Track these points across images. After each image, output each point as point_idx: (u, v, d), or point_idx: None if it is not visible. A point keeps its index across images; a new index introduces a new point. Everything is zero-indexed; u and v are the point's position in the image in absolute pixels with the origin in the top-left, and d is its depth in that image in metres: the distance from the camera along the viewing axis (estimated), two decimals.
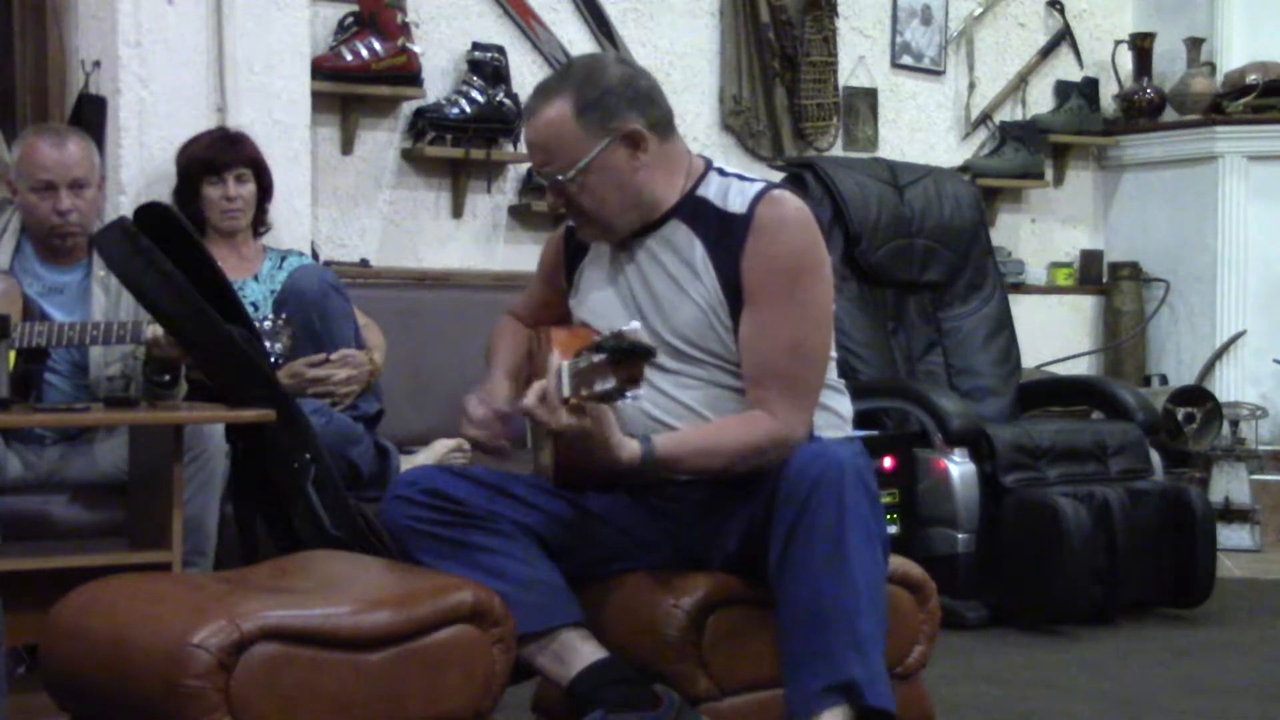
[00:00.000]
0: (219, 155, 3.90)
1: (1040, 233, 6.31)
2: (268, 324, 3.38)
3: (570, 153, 2.54)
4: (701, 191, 2.62)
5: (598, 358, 2.25)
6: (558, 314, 2.80)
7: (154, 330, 3.24)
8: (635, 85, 2.58)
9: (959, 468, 4.33)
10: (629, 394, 2.24)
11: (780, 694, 2.42)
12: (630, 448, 2.44)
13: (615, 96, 2.55)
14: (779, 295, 2.51)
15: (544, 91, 2.59)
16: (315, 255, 4.38)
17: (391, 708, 2.31)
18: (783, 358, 2.51)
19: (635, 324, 2.25)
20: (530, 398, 2.39)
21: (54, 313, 3.47)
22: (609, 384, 2.23)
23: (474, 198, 5.04)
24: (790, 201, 2.57)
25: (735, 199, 2.57)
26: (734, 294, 2.54)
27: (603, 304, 2.66)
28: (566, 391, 2.35)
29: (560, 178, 2.55)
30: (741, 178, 2.63)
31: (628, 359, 2.20)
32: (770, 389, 2.51)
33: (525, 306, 2.93)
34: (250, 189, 3.93)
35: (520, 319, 2.91)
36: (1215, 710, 3.38)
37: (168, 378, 3.36)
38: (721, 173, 2.65)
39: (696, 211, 2.60)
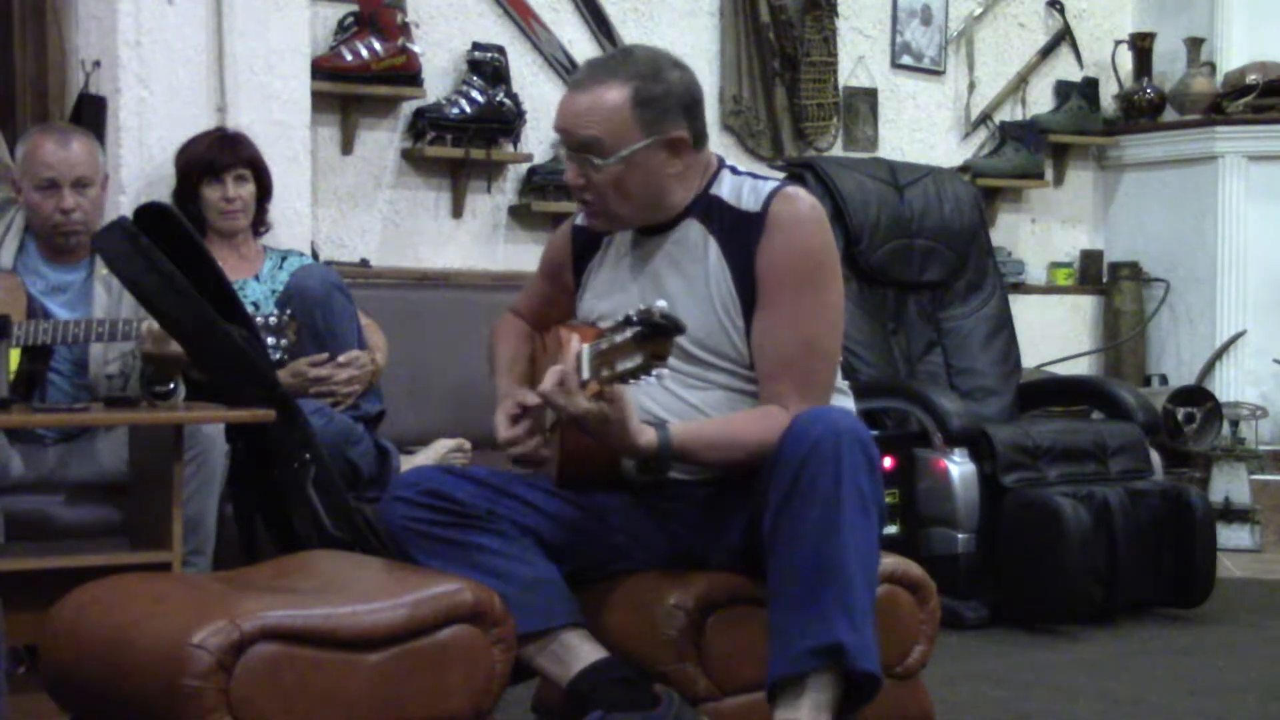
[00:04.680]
0: (218, 156, 3.90)
1: (1040, 233, 6.31)
2: (272, 319, 3.38)
3: (614, 139, 2.51)
4: (715, 190, 2.62)
5: (621, 336, 2.22)
6: (561, 313, 2.79)
7: (149, 326, 3.24)
8: (692, 93, 2.58)
9: (959, 468, 4.33)
10: (654, 372, 2.21)
11: None
12: (647, 434, 2.43)
13: (675, 100, 2.55)
14: (793, 292, 2.51)
15: (602, 69, 2.55)
16: (315, 255, 4.38)
17: (391, 708, 2.31)
18: (797, 353, 2.51)
19: (662, 302, 2.22)
20: (548, 382, 2.37)
21: (57, 311, 3.48)
22: (635, 360, 2.20)
23: (474, 198, 5.04)
24: (805, 199, 2.58)
25: (749, 197, 2.58)
26: (747, 292, 2.54)
27: (613, 304, 2.64)
28: (586, 374, 2.33)
29: (597, 161, 2.51)
30: (754, 176, 2.64)
31: (655, 335, 2.18)
32: (785, 384, 2.51)
33: (526, 305, 2.92)
34: (249, 189, 3.93)
35: (522, 318, 2.91)
36: (1215, 710, 3.38)
37: (171, 385, 3.36)
38: (734, 171, 2.65)
39: (710, 210, 2.60)
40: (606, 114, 2.51)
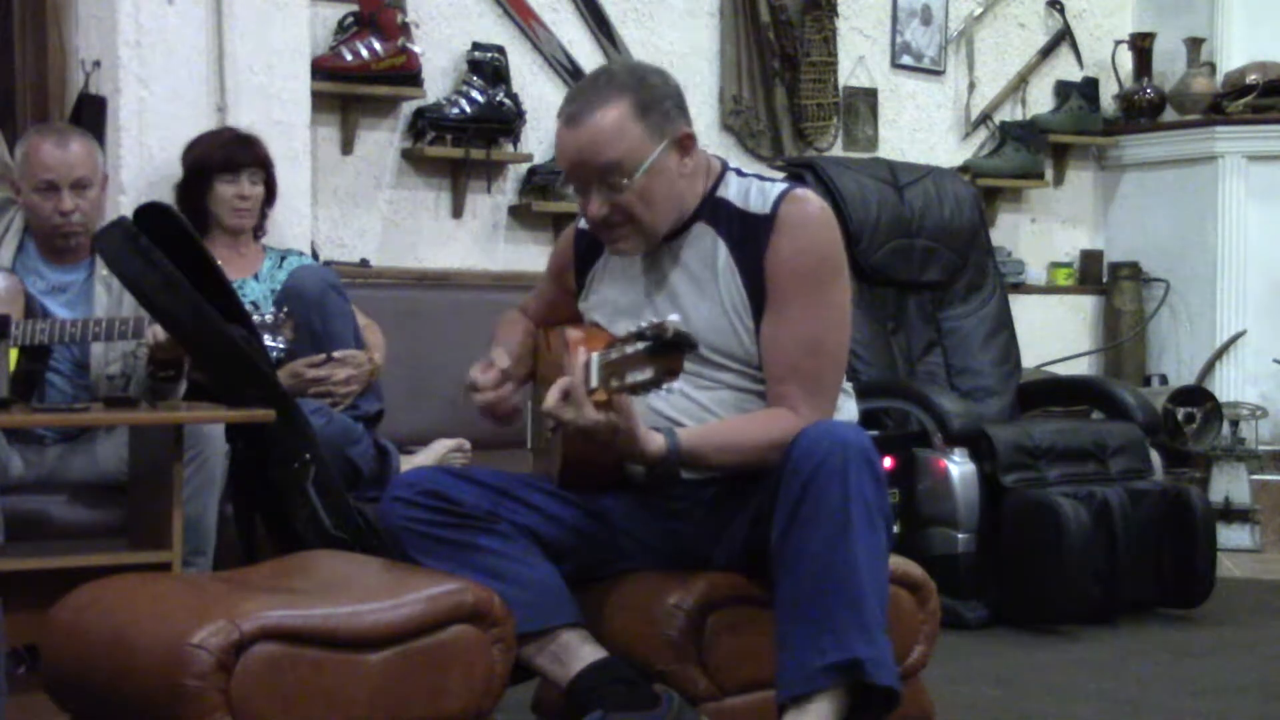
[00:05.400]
0: (235, 154, 3.92)
1: (1040, 233, 6.31)
2: (269, 318, 3.38)
3: (632, 156, 2.49)
4: (721, 192, 2.61)
5: (633, 348, 2.22)
6: (565, 315, 2.79)
7: (155, 331, 3.25)
8: (679, 90, 2.59)
9: (959, 468, 4.33)
10: (665, 386, 2.22)
11: None
12: (656, 441, 2.43)
13: (670, 100, 2.55)
14: (802, 294, 2.51)
15: (591, 97, 2.52)
16: (315, 255, 4.38)
17: (391, 708, 2.31)
18: (804, 356, 2.52)
19: (675, 316, 2.23)
20: (552, 398, 2.36)
21: (57, 311, 3.48)
22: (646, 374, 2.20)
23: (474, 198, 5.04)
24: (814, 201, 2.58)
25: (756, 199, 2.57)
26: (756, 294, 2.54)
27: (617, 306, 2.65)
28: (595, 383, 2.32)
29: (625, 181, 2.50)
30: (760, 178, 2.63)
31: (668, 350, 2.17)
32: (792, 386, 2.51)
33: (534, 306, 2.92)
34: (261, 190, 3.96)
35: (527, 316, 2.91)
36: (1215, 710, 3.38)
37: (172, 372, 3.36)
38: (739, 173, 2.65)
39: (717, 213, 2.59)
40: (618, 133, 2.48)
